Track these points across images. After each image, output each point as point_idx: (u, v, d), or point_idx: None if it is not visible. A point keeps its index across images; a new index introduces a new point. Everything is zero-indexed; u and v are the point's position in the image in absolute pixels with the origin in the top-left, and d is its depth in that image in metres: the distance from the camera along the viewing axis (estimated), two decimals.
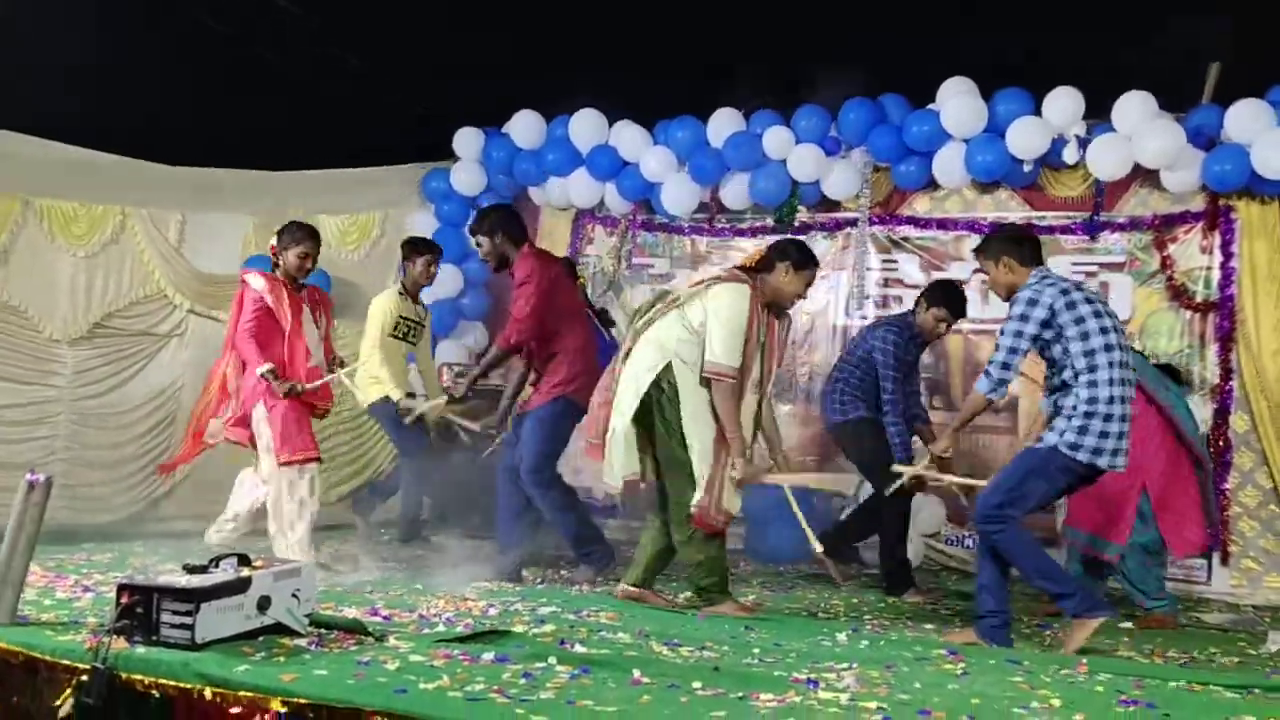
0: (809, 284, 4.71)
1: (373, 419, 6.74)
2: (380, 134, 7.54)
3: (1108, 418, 4.16)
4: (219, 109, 6.62)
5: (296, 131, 7.05)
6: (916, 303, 5.75)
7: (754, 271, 4.65)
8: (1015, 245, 4.41)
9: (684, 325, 4.55)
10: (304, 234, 5.33)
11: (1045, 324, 4.22)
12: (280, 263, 5.31)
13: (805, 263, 4.66)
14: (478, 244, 5.50)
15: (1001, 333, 4.28)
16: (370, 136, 7.47)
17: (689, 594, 4.95)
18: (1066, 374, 4.25)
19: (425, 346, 6.60)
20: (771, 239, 7.29)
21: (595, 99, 7.44)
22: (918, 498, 6.68)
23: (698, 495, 4.50)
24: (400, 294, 6.39)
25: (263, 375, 5.06)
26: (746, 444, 4.58)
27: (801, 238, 7.17)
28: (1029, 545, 4.30)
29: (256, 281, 5.22)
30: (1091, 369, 4.18)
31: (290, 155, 7.20)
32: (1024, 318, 4.23)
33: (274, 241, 5.35)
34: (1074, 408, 4.20)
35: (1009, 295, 4.38)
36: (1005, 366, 4.26)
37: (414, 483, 6.50)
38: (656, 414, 4.54)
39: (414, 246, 6.51)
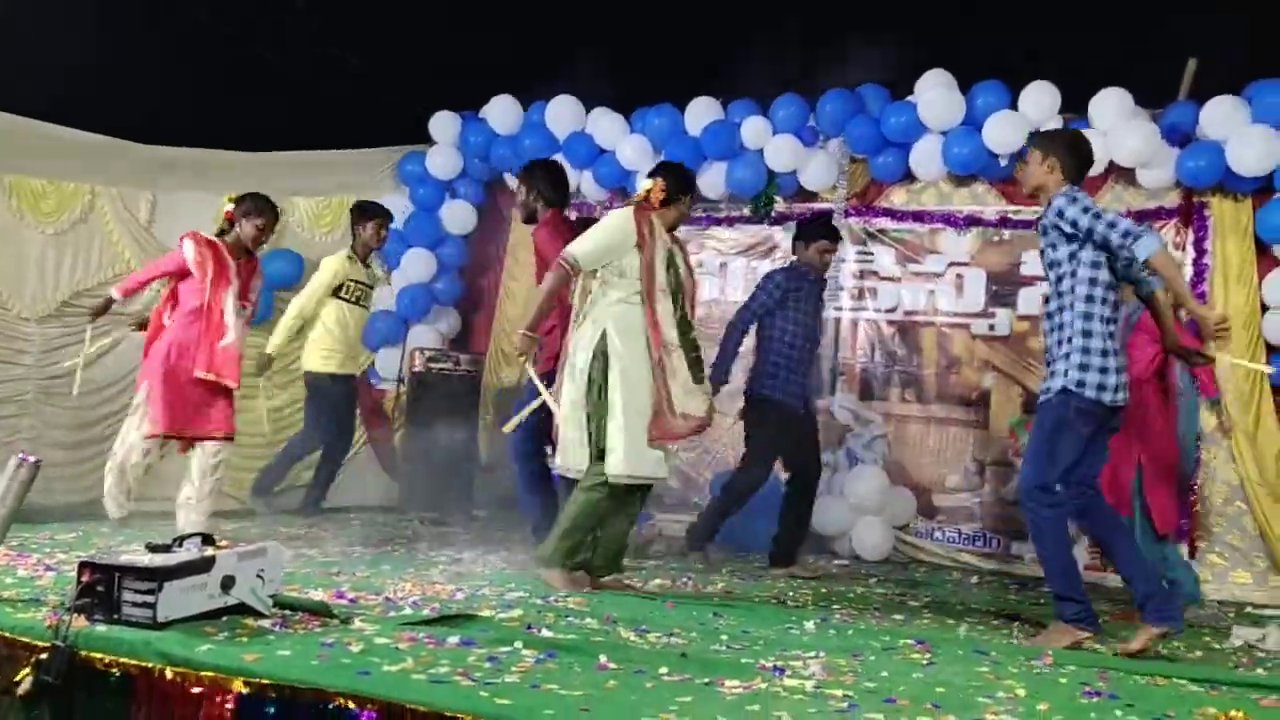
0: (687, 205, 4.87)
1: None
2: (356, 116, 7.49)
3: (1104, 353, 4.13)
4: (186, 88, 6.57)
5: (271, 113, 7.00)
6: (795, 250, 6.01)
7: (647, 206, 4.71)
8: (1071, 155, 4.30)
9: (603, 284, 4.61)
10: (264, 206, 5.40)
11: (1089, 232, 4.11)
12: (236, 229, 5.36)
13: (685, 188, 4.81)
14: (515, 190, 5.43)
15: (1098, 217, 4.06)
16: (347, 119, 7.42)
17: (661, 581, 4.94)
18: (1065, 309, 4.18)
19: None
20: (749, 229, 7.37)
21: (572, 86, 7.41)
22: (885, 489, 6.74)
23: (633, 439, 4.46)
24: (349, 257, 6.42)
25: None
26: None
27: (777, 228, 7.27)
28: (1063, 538, 4.25)
29: (188, 249, 5.30)
30: (1089, 299, 4.14)
31: (264, 136, 7.14)
32: (1095, 211, 4.10)
33: (230, 207, 5.35)
34: (1070, 340, 4.16)
35: (1032, 193, 4.35)
36: (1129, 228, 4.02)
37: (304, 453, 6.52)
38: (597, 385, 4.53)
39: (363, 210, 6.56)
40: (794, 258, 6.06)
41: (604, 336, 4.52)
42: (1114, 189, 6.62)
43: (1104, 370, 4.12)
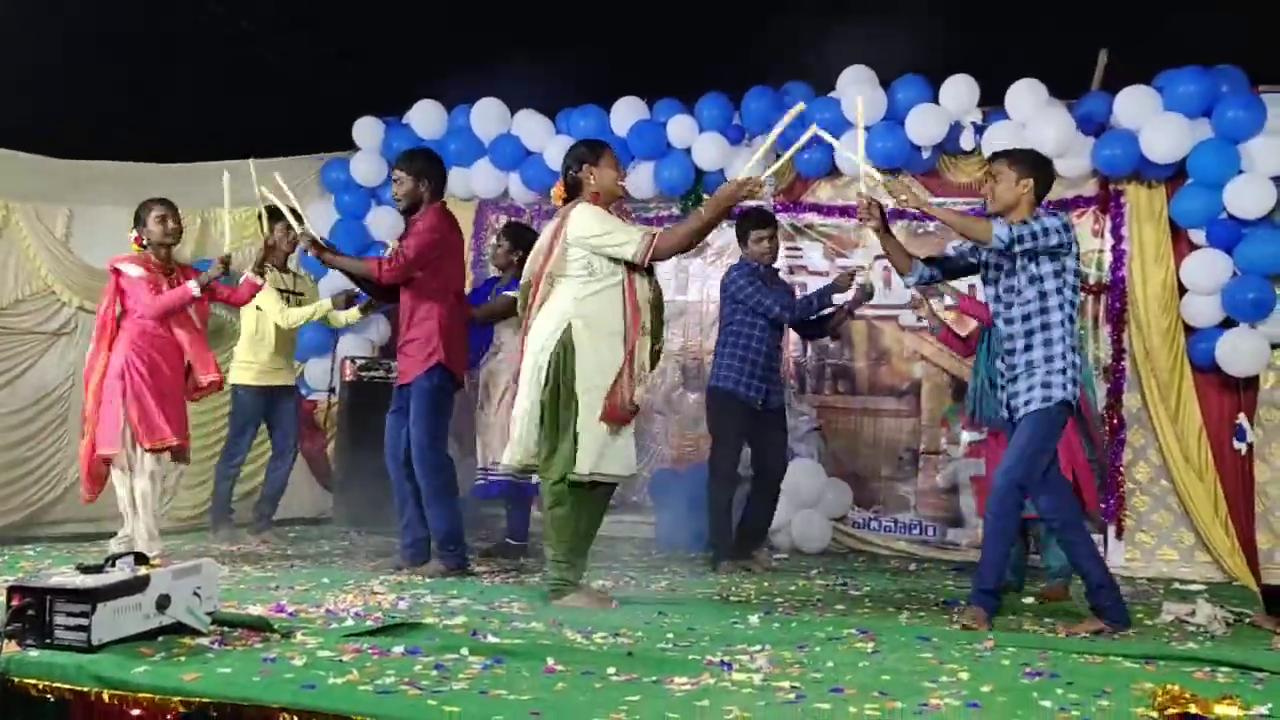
0: (615, 165, 4.59)
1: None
2: (278, 124, 7.37)
3: (1078, 354, 4.33)
4: (94, 99, 6.42)
5: (192, 122, 6.87)
6: (742, 244, 6.04)
7: (574, 197, 4.55)
8: (1045, 178, 4.37)
9: (575, 278, 4.42)
10: (154, 200, 5.42)
11: (1061, 249, 4.21)
12: (146, 242, 5.37)
13: (596, 154, 4.55)
14: (397, 179, 5.22)
15: (1032, 222, 4.18)
16: (265, 126, 7.30)
17: (604, 582, 4.93)
18: (1052, 325, 4.26)
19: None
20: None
21: (496, 88, 7.37)
22: (822, 482, 6.81)
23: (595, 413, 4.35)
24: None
25: None
26: None
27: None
28: (1011, 536, 4.43)
29: (132, 269, 5.25)
30: (1073, 307, 4.30)
31: (181, 146, 6.99)
32: (1058, 230, 4.19)
33: (133, 233, 5.39)
34: (1063, 356, 4.24)
35: (999, 211, 4.35)
36: (1017, 233, 4.16)
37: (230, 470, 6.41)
38: (558, 377, 4.38)
39: (269, 216, 6.42)
40: (741, 255, 6.09)
41: (568, 329, 4.35)
42: None
43: (1077, 367, 4.32)
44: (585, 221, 4.39)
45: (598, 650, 3.50)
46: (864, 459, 7.02)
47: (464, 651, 3.32)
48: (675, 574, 5.59)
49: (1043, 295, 4.27)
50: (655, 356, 4.56)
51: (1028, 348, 4.30)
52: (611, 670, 3.15)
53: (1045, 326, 4.28)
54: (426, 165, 5.28)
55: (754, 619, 4.21)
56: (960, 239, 4.59)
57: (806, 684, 3.09)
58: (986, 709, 2.87)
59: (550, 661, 3.23)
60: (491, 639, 3.57)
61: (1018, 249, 4.20)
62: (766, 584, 5.39)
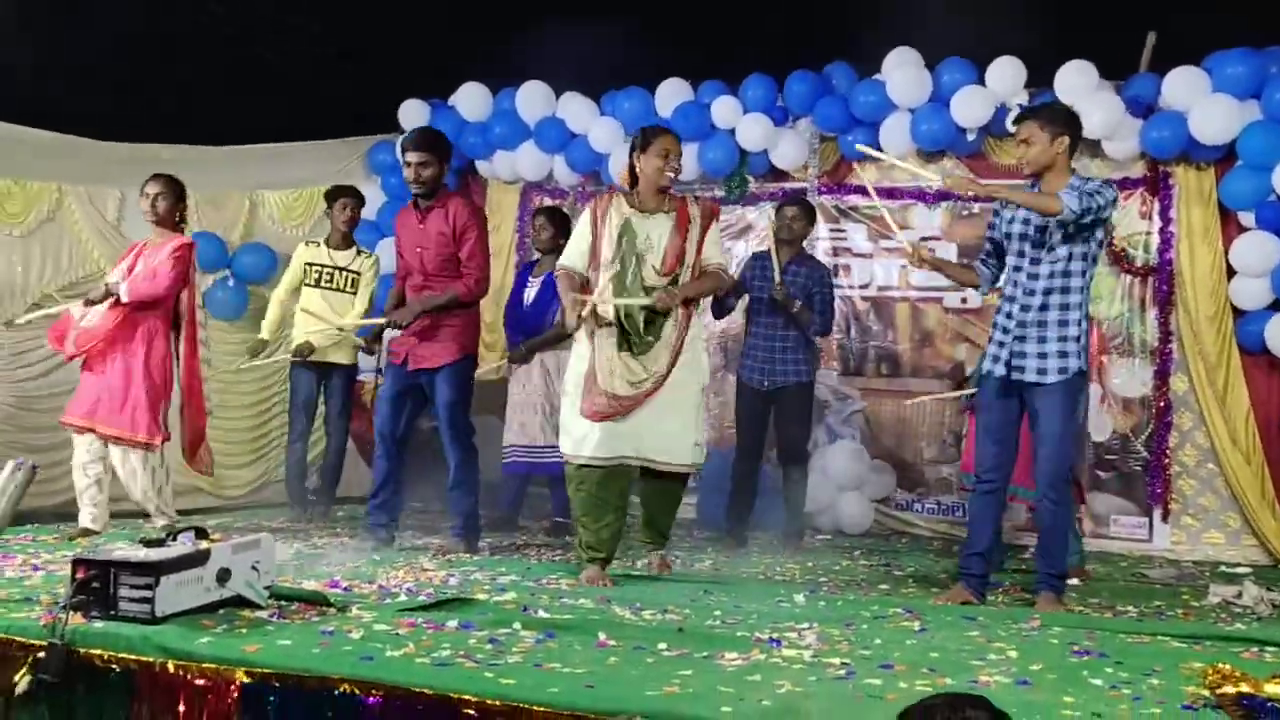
0: (665, 155, 4.46)
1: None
2: (323, 107, 7.45)
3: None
4: (148, 81, 6.52)
5: (239, 106, 6.96)
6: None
7: (636, 182, 4.55)
8: (1077, 132, 4.27)
9: None
10: (145, 182, 5.48)
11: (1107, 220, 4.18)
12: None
13: (647, 141, 4.51)
14: (421, 163, 5.02)
15: (1084, 188, 4.09)
16: (313, 109, 7.39)
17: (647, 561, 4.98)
18: (1072, 290, 4.20)
19: (361, 296, 6.48)
20: (723, 210, 7.38)
21: (541, 70, 7.40)
22: (865, 464, 6.81)
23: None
24: (310, 243, 6.41)
25: None
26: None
27: (750, 208, 7.30)
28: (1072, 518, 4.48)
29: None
30: (1091, 276, 4.25)
31: (229, 128, 7.08)
32: (1113, 202, 4.14)
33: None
34: (1078, 323, 4.20)
35: (1032, 173, 4.25)
36: (1087, 204, 4.05)
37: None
38: None
39: (328, 194, 6.51)
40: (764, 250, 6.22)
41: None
42: (1080, 160, 6.67)
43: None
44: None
45: (647, 626, 3.54)
46: (907, 442, 7.01)
47: (516, 626, 3.37)
48: (719, 553, 5.62)
49: (1070, 257, 4.18)
50: (640, 337, 4.45)
51: (1043, 308, 4.21)
52: (662, 645, 3.19)
53: (1065, 290, 4.21)
54: (449, 147, 5.27)
55: (800, 598, 4.23)
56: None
57: (856, 660, 3.12)
58: (1037, 686, 2.89)
59: (602, 636, 3.27)
60: (542, 614, 3.62)
61: (1088, 219, 4.10)
62: (810, 564, 5.41)
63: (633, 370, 4.41)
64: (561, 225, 6.21)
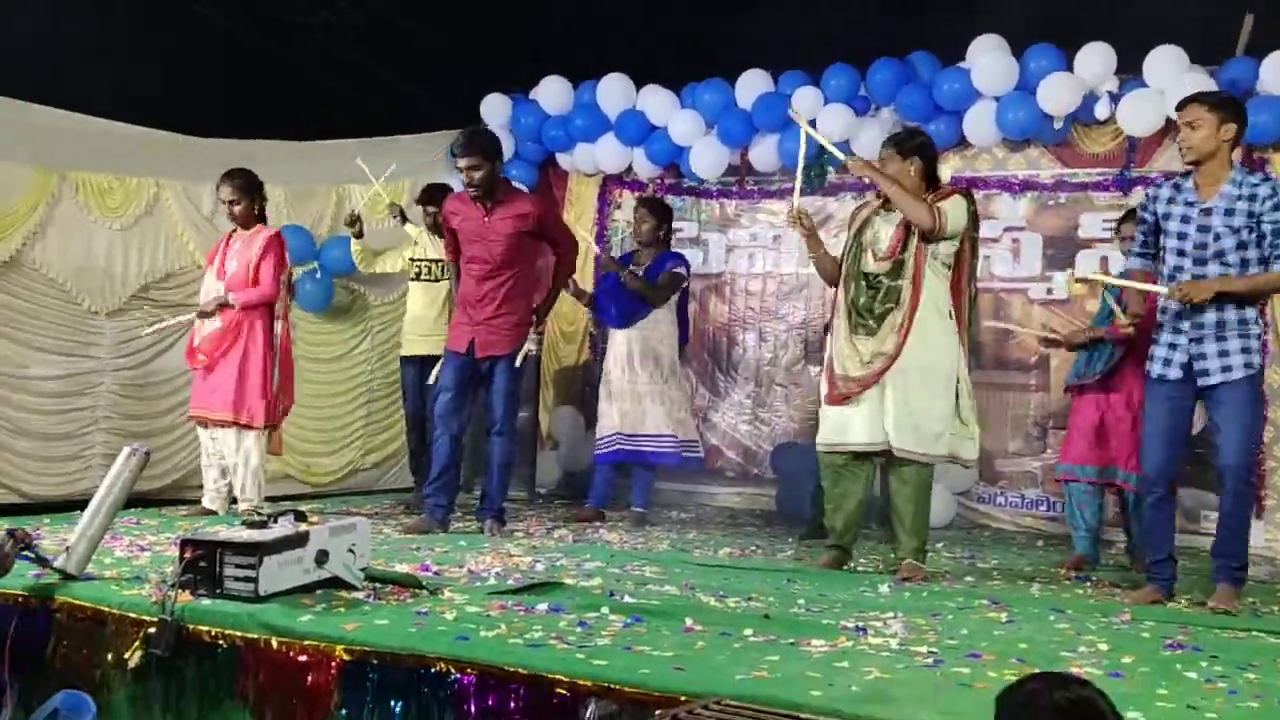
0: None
1: None
2: (408, 103, 7.57)
3: None
4: (237, 79, 6.68)
5: (323, 102, 7.10)
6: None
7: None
8: (1243, 131, 4.17)
9: None
10: (220, 178, 5.76)
11: None
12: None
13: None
14: (474, 166, 5.18)
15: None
16: (394, 104, 7.51)
17: (730, 550, 4.99)
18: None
19: None
20: (802, 200, 7.37)
21: (622, 64, 7.44)
22: None
23: None
24: (415, 240, 6.55)
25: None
26: None
27: (831, 198, 7.28)
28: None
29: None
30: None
31: (315, 125, 7.23)
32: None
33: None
34: (1255, 320, 4.13)
35: (1193, 160, 4.13)
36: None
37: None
38: None
39: (426, 192, 6.64)
40: None
41: None
42: (1172, 148, 6.54)
43: None
44: None
45: (733, 613, 3.57)
46: (991, 434, 6.91)
47: (604, 610, 3.42)
48: (800, 544, 5.63)
49: (1244, 263, 4.07)
50: (864, 320, 4.62)
51: (1220, 308, 4.08)
52: (749, 631, 3.23)
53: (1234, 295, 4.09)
54: (497, 145, 5.44)
55: (884, 588, 4.23)
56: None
57: (943, 649, 3.13)
58: (1129, 679, 2.87)
59: (689, 621, 3.32)
60: (629, 599, 3.67)
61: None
62: (892, 555, 5.38)
63: (861, 352, 4.54)
64: (662, 215, 6.30)
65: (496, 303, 5.31)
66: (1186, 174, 4.25)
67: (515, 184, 5.62)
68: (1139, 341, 4.83)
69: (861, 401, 4.52)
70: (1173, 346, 4.19)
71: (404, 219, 6.68)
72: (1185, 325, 4.15)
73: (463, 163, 5.24)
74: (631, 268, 6.17)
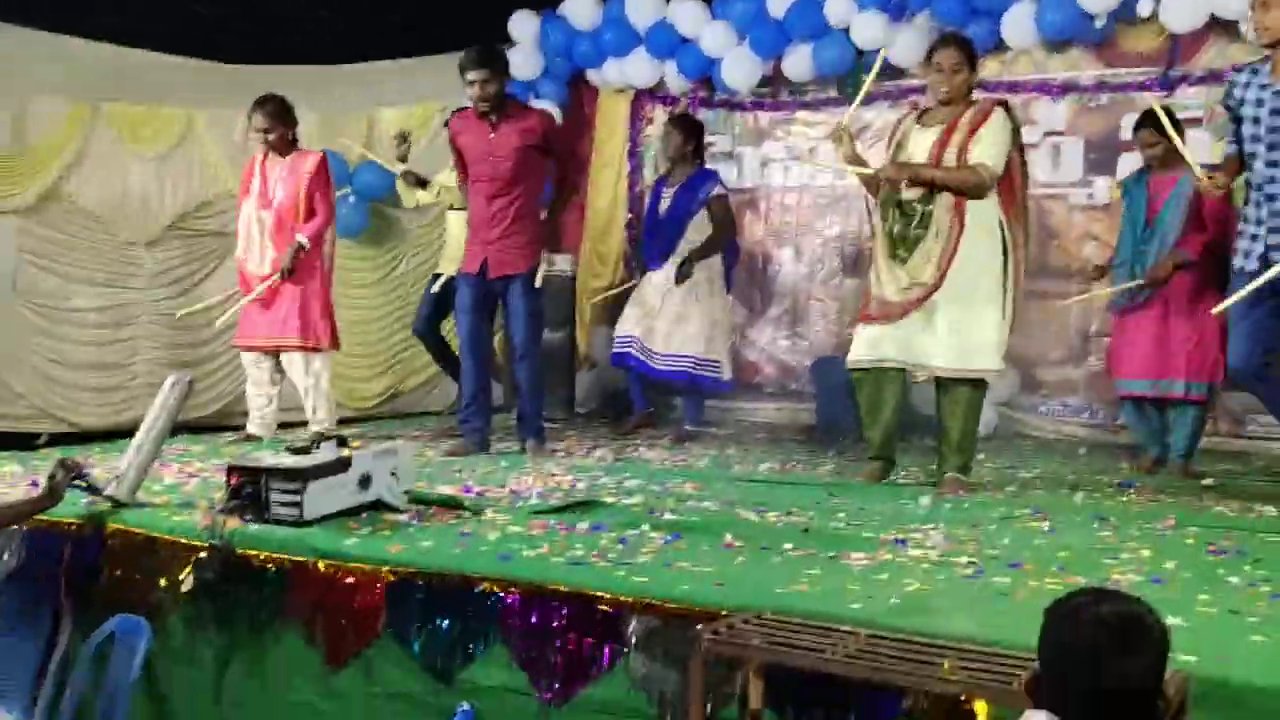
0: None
1: None
2: (436, 23, 7.47)
3: None
4: (263, 3, 6.63)
5: (343, 23, 7.03)
6: None
7: None
8: None
9: None
10: (251, 106, 5.58)
11: None
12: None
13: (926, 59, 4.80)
14: (484, 81, 5.08)
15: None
16: (421, 23, 7.42)
17: (771, 465, 4.99)
18: None
19: None
20: (836, 110, 7.24)
21: None
22: None
23: None
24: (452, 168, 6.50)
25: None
26: None
27: (867, 109, 7.13)
28: None
29: None
30: None
31: (340, 48, 7.17)
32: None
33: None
34: None
35: (1273, 41, 4.00)
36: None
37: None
38: None
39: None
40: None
41: None
42: (1216, 45, 6.36)
43: None
44: None
45: (772, 527, 3.60)
46: (1031, 342, 6.84)
47: (645, 528, 3.46)
48: (841, 456, 5.63)
49: None
50: (902, 242, 4.54)
51: None
52: (788, 546, 3.25)
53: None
54: (506, 61, 5.37)
55: (924, 500, 4.23)
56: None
57: (984, 560, 3.14)
58: (1170, 584, 2.87)
59: (728, 537, 3.34)
60: (669, 516, 3.70)
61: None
62: (932, 466, 5.38)
63: (899, 278, 4.49)
64: (690, 131, 6.22)
65: (507, 222, 5.24)
66: (1269, 59, 4.12)
67: (520, 101, 5.54)
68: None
69: (899, 324, 4.48)
70: (1254, 238, 4.11)
71: (421, 184, 6.54)
72: (1264, 214, 4.07)
73: (474, 75, 5.11)
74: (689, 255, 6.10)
